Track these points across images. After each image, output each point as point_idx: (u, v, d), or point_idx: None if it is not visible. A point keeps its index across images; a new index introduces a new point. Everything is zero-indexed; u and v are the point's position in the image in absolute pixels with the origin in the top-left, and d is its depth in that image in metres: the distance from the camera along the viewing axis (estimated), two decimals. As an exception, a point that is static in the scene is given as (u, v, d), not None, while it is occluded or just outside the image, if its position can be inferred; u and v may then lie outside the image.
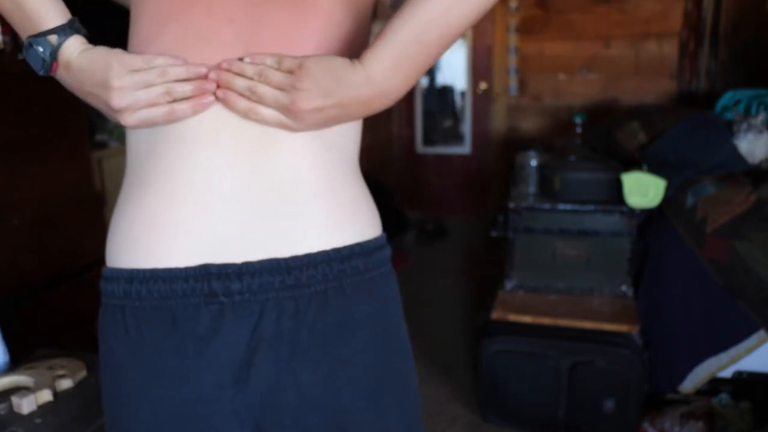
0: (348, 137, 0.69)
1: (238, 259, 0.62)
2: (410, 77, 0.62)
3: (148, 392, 0.65)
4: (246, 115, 0.62)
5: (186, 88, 0.61)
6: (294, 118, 0.61)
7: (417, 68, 0.61)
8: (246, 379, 0.63)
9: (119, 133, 2.53)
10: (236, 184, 0.62)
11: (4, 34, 1.91)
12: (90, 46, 0.65)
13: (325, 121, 0.63)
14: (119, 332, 0.65)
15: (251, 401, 0.64)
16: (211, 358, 0.63)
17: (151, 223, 0.63)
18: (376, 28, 0.76)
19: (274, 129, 0.63)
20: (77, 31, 0.65)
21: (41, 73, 0.65)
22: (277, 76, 0.61)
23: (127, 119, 0.62)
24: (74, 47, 0.64)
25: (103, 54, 0.63)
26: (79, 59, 0.64)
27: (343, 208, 0.66)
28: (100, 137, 2.48)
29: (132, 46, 0.67)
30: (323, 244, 0.64)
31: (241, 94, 0.61)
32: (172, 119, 0.62)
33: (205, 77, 0.62)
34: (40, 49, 0.64)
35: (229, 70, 0.62)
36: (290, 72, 0.60)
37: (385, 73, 0.60)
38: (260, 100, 0.61)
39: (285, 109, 0.61)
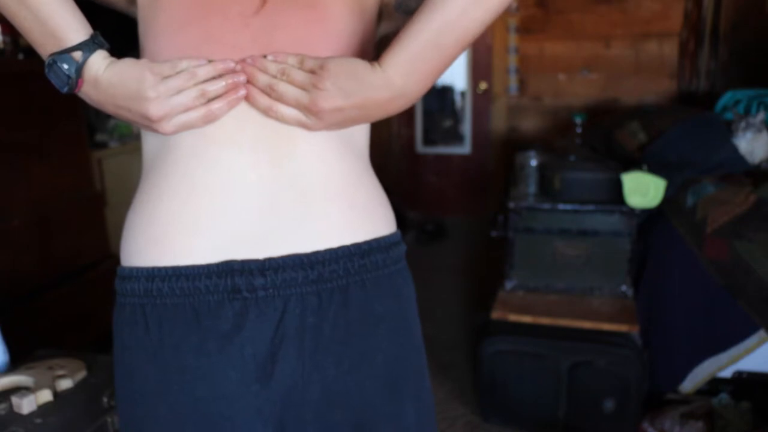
0: (362, 135, 0.71)
1: (260, 255, 0.63)
2: (427, 79, 0.63)
3: (167, 391, 0.64)
4: (266, 111, 0.63)
5: (218, 86, 0.62)
6: (313, 118, 0.63)
7: (434, 71, 0.63)
8: (270, 374, 0.64)
9: (119, 133, 2.53)
10: (256, 183, 0.63)
11: (4, 34, 1.92)
12: (114, 59, 0.65)
13: (343, 121, 0.64)
14: (137, 331, 0.65)
15: (274, 397, 0.64)
16: (234, 354, 0.63)
17: (171, 222, 0.63)
18: (381, 28, 0.77)
19: (294, 128, 0.64)
20: (100, 46, 0.64)
21: (65, 90, 0.64)
22: (299, 75, 0.62)
23: (165, 127, 0.63)
24: (100, 63, 0.64)
25: (133, 66, 0.63)
26: (107, 74, 0.63)
27: (360, 205, 0.67)
28: (100, 137, 2.49)
29: (146, 52, 0.68)
30: (342, 239, 0.65)
31: (263, 91, 0.62)
32: (209, 120, 0.63)
33: (233, 71, 0.63)
34: (65, 66, 0.63)
35: (252, 66, 0.63)
36: (312, 72, 0.61)
37: (404, 75, 0.61)
38: (280, 98, 0.62)
39: (305, 109, 0.62)
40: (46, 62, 0.64)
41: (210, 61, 0.63)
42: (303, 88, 0.61)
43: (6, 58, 1.92)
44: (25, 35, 0.65)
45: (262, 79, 0.62)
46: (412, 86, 0.63)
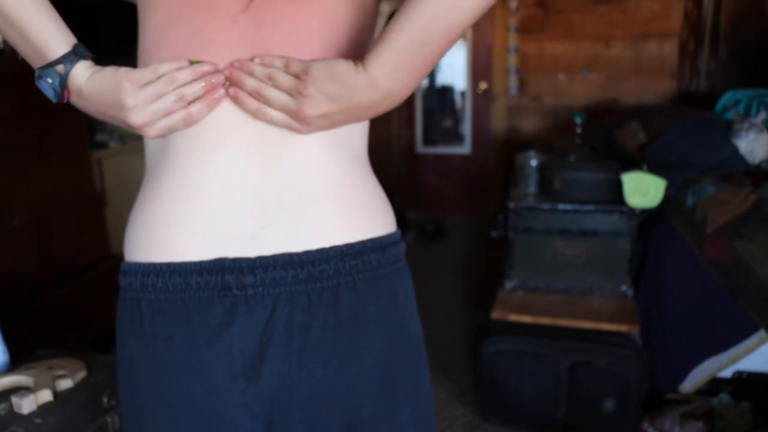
0: (358, 134, 0.70)
1: (252, 253, 0.63)
2: (414, 78, 0.61)
3: (160, 384, 0.66)
4: (255, 115, 0.63)
5: (196, 88, 0.63)
6: (300, 123, 0.62)
7: (421, 68, 0.61)
8: (258, 372, 0.64)
9: (119, 133, 2.53)
10: (249, 183, 0.63)
11: (4, 34, 1.91)
12: (98, 68, 0.66)
13: (331, 125, 0.64)
14: (134, 325, 0.66)
15: (263, 394, 0.65)
16: (223, 350, 0.64)
17: (168, 222, 0.65)
18: (384, 8, 0.76)
19: (286, 130, 0.64)
20: (82, 57, 0.66)
21: (54, 101, 0.66)
22: (285, 80, 0.61)
23: (148, 132, 0.64)
24: (82, 74, 0.65)
25: (112, 75, 0.64)
26: (88, 85, 0.65)
27: (355, 205, 0.67)
28: (100, 137, 2.49)
29: (140, 51, 0.68)
30: (336, 240, 0.65)
31: (251, 95, 0.63)
32: (190, 123, 0.64)
33: (211, 73, 0.63)
34: (49, 80, 0.65)
35: (240, 69, 0.63)
36: (296, 76, 0.61)
37: (389, 75, 0.60)
38: (268, 103, 0.62)
39: (291, 114, 0.62)
40: (35, 76, 0.66)
41: (192, 63, 0.63)
42: (288, 93, 0.61)
43: (6, 58, 1.92)
44: (16, 49, 0.68)
45: (250, 83, 0.62)
46: (399, 86, 0.61)
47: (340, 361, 0.65)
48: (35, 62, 0.67)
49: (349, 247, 0.65)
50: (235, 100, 0.63)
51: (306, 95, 0.60)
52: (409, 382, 0.71)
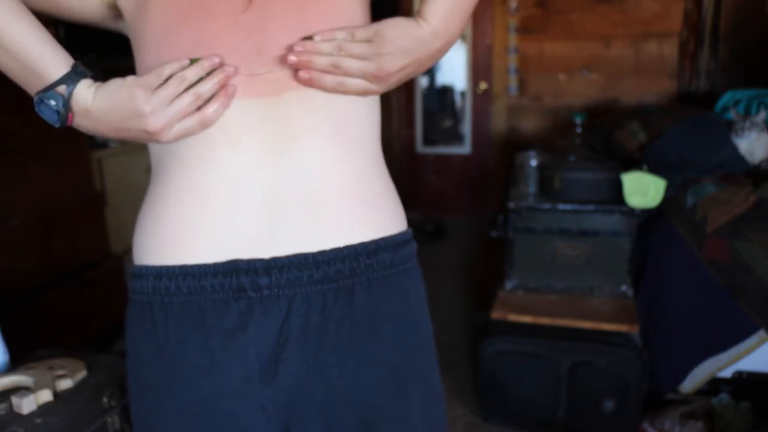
0: (369, 132, 0.70)
1: (266, 254, 0.63)
2: (463, 20, 0.67)
3: (172, 386, 0.65)
4: (335, 89, 0.64)
5: (211, 84, 0.62)
6: (379, 83, 0.65)
7: (466, 12, 0.67)
8: (274, 374, 0.64)
9: (119, 133, 2.53)
10: (260, 184, 0.63)
11: (4, 34, 1.91)
12: (98, 84, 0.65)
13: (405, 77, 0.67)
14: (146, 328, 0.66)
15: (278, 396, 0.65)
16: (238, 352, 0.63)
17: (178, 223, 0.64)
18: None
19: (296, 127, 0.64)
20: (83, 75, 0.65)
21: (57, 125, 0.65)
22: (359, 48, 0.63)
23: (165, 137, 0.63)
24: (85, 93, 0.64)
25: (120, 87, 0.63)
26: (97, 102, 0.64)
27: (367, 204, 0.67)
28: (100, 137, 2.48)
29: (139, 65, 0.67)
30: (349, 238, 0.65)
31: (324, 71, 0.64)
32: (206, 125, 0.63)
33: (218, 65, 0.63)
34: (53, 102, 0.63)
35: (304, 51, 0.63)
36: (367, 41, 0.63)
37: (445, 23, 0.65)
38: (346, 73, 0.64)
39: (371, 76, 0.64)
40: (35, 101, 0.64)
41: (192, 61, 0.62)
42: (364, 58, 0.63)
43: (6, 58, 1.92)
44: (9, 76, 0.66)
45: (321, 60, 0.63)
46: (453, 30, 0.66)
47: (356, 362, 0.65)
48: (32, 87, 0.65)
49: (364, 246, 0.65)
50: (309, 82, 0.64)
51: (384, 54, 0.63)
52: (420, 381, 0.72)
